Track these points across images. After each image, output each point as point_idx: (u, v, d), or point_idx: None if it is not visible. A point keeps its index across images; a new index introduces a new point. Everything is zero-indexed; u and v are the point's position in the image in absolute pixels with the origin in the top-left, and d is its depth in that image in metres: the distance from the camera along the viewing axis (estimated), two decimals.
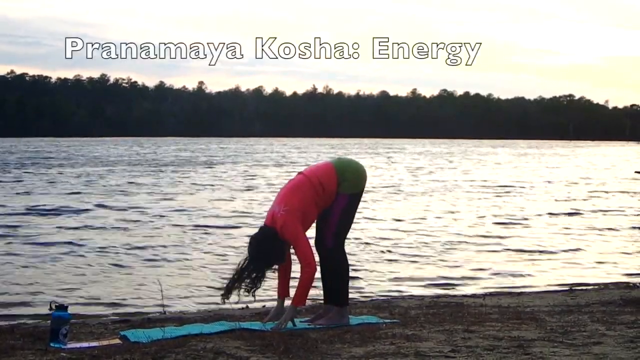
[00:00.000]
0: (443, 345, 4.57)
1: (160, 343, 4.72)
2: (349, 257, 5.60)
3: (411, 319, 5.75)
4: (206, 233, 13.22)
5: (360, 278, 9.24)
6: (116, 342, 4.95)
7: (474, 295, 7.89)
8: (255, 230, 5.45)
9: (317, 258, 5.41)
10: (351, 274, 5.69)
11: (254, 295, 5.39)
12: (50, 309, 4.92)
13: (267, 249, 5.29)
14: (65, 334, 4.79)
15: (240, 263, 5.37)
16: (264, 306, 7.33)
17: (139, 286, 8.77)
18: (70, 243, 11.83)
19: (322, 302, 5.72)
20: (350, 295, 5.73)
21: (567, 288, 8.60)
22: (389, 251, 11.59)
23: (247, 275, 5.32)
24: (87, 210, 16.66)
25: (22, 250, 11.18)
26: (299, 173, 5.55)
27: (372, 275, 9.59)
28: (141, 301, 8.00)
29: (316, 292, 5.67)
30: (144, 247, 11.68)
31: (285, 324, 5.25)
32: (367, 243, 12.20)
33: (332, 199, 5.41)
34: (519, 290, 8.47)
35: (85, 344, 4.84)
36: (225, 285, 5.39)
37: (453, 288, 8.88)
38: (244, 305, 7.02)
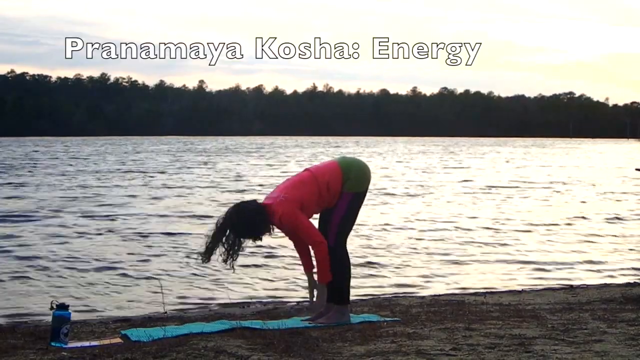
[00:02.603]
0: (444, 344, 4.56)
1: (161, 342, 4.72)
2: (350, 255, 5.59)
3: (412, 317, 5.74)
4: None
5: (362, 276, 9.24)
6: (117, 341, 4.95)
7: (474, 294, 7.88)
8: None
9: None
10: (353, 272, 5.68)
11: (232, 267, 5.33)
12: (51, 308, 4.91)
13: (247, 219, 5.25)
14: (66, 333, 4.78)
15: (218, 223, 5.32)
16: (265, 305, 7.35)
17: (140, 286, 8.77)
18: (63, 244, 11.86)
19: None
20: (351, 294, 5.71)
21: (567, 286, 8.59)
22: (391, 249, 11.58)
23: (225, 240, 5.26)
24: (61, 216, 16.39)
25: (21, 251, 11.18)
26: (305, 169, 5.55)
27: (373, 274, 9.58)
28: (142, 300, 7.99)
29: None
30: (144, 247, 11.68)
31: (323, 303, 5.33)
32: (369, 241, 12.20)
33: (336, 198, 5.41)
34: (519, 288, 8.46)
35: (86, 343, 4.84)
36: (204, 248, 5.32)
37: (454, 286, 8.87)
38: (245, 304, 7.04)
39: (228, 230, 5.28)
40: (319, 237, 5.28)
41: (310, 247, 5.40)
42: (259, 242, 5.47)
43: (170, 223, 14.58)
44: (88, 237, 12.59)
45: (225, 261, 5.29)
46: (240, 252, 5.35)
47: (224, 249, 5.28)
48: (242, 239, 5.31)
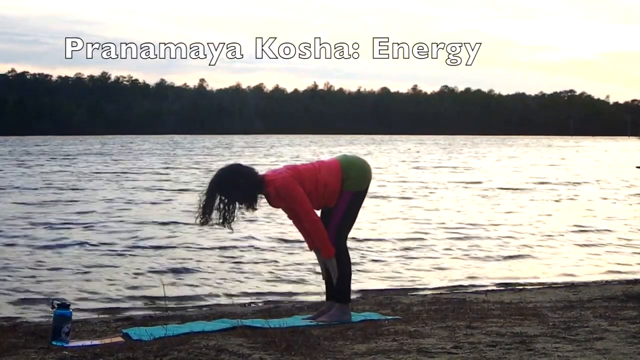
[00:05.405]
0: (445, 342, 4.56)
1: (162, 341, 4.72)
2: (351, 253, 5.60)
3: (413, 315, 5.74)
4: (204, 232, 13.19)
5: (363, 275, 9.23)
6: (118, 340, 4.95)
7: (476, 292, 7.88)
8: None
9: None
10: (353, 270, 5.68)
11: (230, 228, 5.36)
12: (53, 307, 4.91)
13: (237, 179, 5.27)
14: (67, 332, 4.79)
15: (210, 183, 5.34)
16: (266, 303, 7.35)
17: (141, 285, 8.77)
18: (70, 243, 11.87)
19: (324, 299, 5.72)
20: (352, 292, 5.71)
21: (569, 284, 8.59)
22: (392, 248, 11.58)
23: (219, 203, 5.27)
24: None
25: (21, 249, 11.19)
26: (311, 162, 5.58)
27: (374, 272, 9.58)
28: (143, 299, 7.99)
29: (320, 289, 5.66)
30: (144, 246, 11.68)
31: (336, 274, 5.35)
32: (369, 240, 12.19)
33: (337, 197, 5.42)
34: (521, 287, 8.46)
35: (87, 342, 4.84)
36: (199, 212, 5.30)
37: (455, 285, 8.86)
38: (246, 303, 7.04)
39: (219, 190, 5.28)
40: (313, 214, 5.32)
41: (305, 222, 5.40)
42: (250, 212, 5.45)
43: (169, 223, 14.61)
44: (90, 237, 12.59)
45: (222, 225, 5.32)
46: (238, 215, 5.36)
47: (218, 213, 5.29)
48: (232, 202, 5.31)
